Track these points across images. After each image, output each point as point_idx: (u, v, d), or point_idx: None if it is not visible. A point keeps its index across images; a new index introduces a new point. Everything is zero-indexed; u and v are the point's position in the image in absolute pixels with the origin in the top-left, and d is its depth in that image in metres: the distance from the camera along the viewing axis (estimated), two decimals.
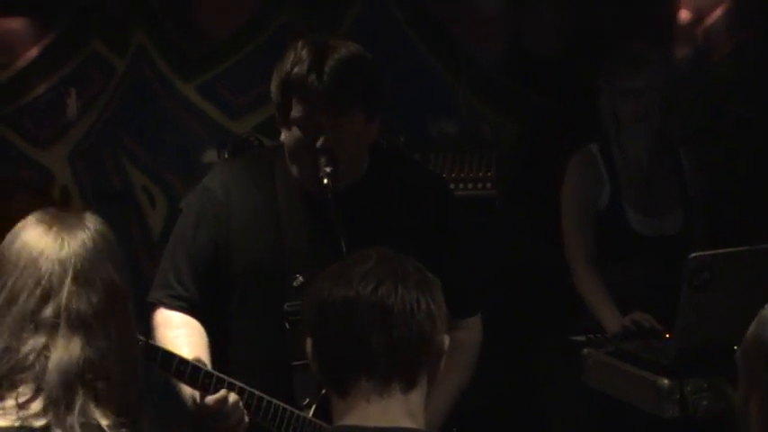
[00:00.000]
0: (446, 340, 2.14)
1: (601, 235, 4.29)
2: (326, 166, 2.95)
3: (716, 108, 5.18)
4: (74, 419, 2.03)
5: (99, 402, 2.06)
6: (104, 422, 2.05)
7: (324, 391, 2.77)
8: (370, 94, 3.03)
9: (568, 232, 4.34)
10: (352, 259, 2.15)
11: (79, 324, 2.08)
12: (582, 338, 3.89)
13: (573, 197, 4.36)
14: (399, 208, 3.12)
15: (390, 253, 2.15)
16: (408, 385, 2.09)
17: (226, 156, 5.16)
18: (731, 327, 2.51)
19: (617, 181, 4.31)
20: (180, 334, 3.03)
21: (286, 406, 2.95)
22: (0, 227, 2.26)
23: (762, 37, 5.14)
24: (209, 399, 2.84)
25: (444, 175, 4.77)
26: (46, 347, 2.06)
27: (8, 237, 2.16)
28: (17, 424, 2.04)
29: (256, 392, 2.91)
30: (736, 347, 2.08)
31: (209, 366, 2.90)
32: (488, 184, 5.02)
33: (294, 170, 3.06)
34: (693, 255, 3.45)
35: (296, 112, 2.98)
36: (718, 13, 5.19)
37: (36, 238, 2.14)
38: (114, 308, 2.13)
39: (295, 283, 3.00)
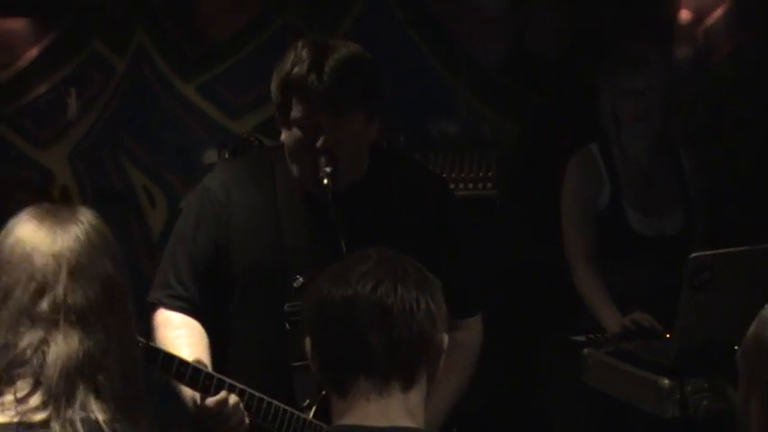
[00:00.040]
0: (445, 339, 2.15)
1: (601, 235, 4.29)
2: (326, 166, 2.95)
3: (716, 108, 5.18)
4: (74, 414, 2.02)
5: (99, 396, 2.06)
6: (102, 417, 2.04)
7: (324, 393, 2.77)
8: (371, 94, 3.03)
9: (568, 232, 4.34)
10: (352, 259, 2.15)
11: (77, 318, 2.08)
12: (582, 338, 3.89)
13: (573, 197, 4.36)
14: (399, 208, 3.12)
15: (390, 253, 2.16)
16: (408, 384, 2.09)
17: (226, 156, 5.16)
18: (731, 327, 2.51)
19: (617, 181, 4.30)
20: (180, 335, 3.03)
21: (286, 407, 2.95)
22: (0, 227, 2.26)
23: (762, 37, 5.14)
24: (210, 400, 2.84)
25: (444, 176, 4.77)
26: (44, 342, 2.06)
27: (2, 233, 2.16)
28: (16, 419, 2.04)
29: (257, 394, 2.91)
30: (736, 347, 2.08)
31: (209, 368, 2.90)
32: (488, 184, 5.02)
33: (294, 170, 3.06)
34: (694, 255, 3.45)
35: (296, 112, 2.98)
36: (718, 13, 5.19)
37: (29, 233, 2.13)
38: (112, 301, 2.13)
39: (295, 284, 2.99)
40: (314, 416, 2.97)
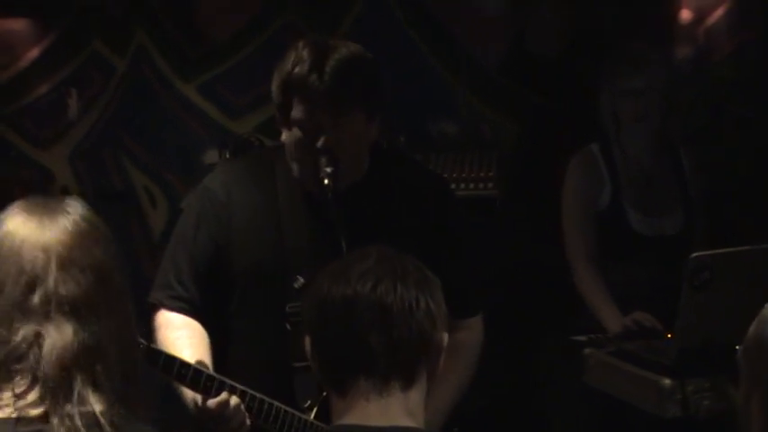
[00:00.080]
0: (445, 338, 2.15)
1: (601, 235, 4.28)
2: (327, 166, 2.95)
3: (716, 108, 5.18)
4: (72, 408, 2.01)
5: (97, 389, 2.05)
6: (99, 408, 2.04)
7: (325, 393, 2.77)
8: (371, 94, 3.03)
9: (569, 232, 4.34)
10: (352, 257, 2.15)
11: (70, 309, 2.07)
12: (583, 338, 3.89)
13: (574, 197, 4.36)
14: (400, 208, 3.12)
15: (390, 251, 2.15)
16: (408, 384, 2.09)
17: (227, 156, 5.16)
18: (732, 326, 2.50)
19: (617, 181, 4.30)
20: (181, 336, 3.03)
21: (287, 408, 2.95)
22: None
23: (762, 37, 5.14)
24: (211, 402, 2.84)
25: (445, 176, 4.77)
26: (38, 335, 2.05)
27: None
28: (14, 415, 2.03)
29: (258, 395, 2.90)
30: (737, 347, 2.08)
31: (210, 369, 2.90)
32: (489, 184, 5.02)
33: (295, 170, 3.06)
34: (694, 255, 3.45)
35: (297, 112, 2.98)
36: (718, 12, 5.19)
37: (18, 226, 2.13)
38: (106, 290, 2.11)
39: (296, 285, 2.99)
40: (315, 417, 2.96)
